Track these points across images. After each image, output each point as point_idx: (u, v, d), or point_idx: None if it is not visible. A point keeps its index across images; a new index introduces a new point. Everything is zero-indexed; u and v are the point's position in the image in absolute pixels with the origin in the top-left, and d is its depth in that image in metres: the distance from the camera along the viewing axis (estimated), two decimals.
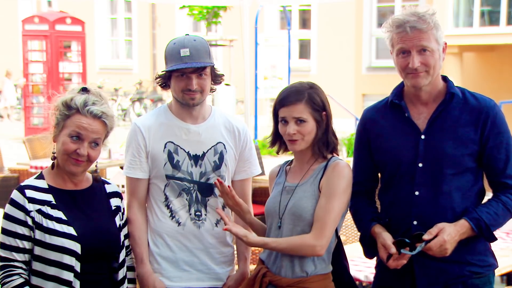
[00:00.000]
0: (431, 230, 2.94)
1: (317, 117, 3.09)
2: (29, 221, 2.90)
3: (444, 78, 3.12)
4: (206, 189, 3.36)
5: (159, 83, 3.38)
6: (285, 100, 3.10)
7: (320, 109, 3.10)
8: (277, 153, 3.24)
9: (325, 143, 3.12)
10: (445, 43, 3.05)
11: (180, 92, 3.28)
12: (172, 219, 3.35)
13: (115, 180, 5.66)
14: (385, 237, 3.03)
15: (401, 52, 3.01)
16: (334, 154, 3.16)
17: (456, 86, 3.11)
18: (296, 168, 3.19)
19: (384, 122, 3.16)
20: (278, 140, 3.20)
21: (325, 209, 3.03)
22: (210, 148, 3.37)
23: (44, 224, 2.90)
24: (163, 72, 3.33)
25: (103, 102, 3.01)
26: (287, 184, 3.16)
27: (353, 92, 19.11)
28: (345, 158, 8.01)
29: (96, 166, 3.10)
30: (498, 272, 3.23)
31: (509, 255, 4.51)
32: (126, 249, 3.20)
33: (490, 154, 3.03)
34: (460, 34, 15.23)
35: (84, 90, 3.02)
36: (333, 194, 3.04)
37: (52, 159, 3.03)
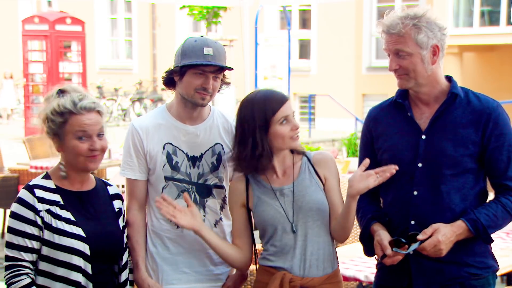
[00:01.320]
0: (426, 230, 2.94)
1: None
2: (39, 221, 2.88)
3: (449, 79, 3.12)
4: (204, 190, 3.35)
5: (164, 79, 3.33)
6: (282, 99, 3.08)
7: None
8: (248, 173, 3.13)
9: None
10: (437, 46, 3.01)
11: (192, 90, 3.23)
12: (170, 221, 3.34)
13: (115, 180, 5.65)
14: (382, 236, 3.03)
15: (387, 54, 3.06)
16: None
17: (460, 87, 3.11)
18: (277, 173, 3.13)
19: (387, 121, 3.16)
20: (268, 155, 3.06)
21: (340, 192, 3.16)
22: (208, 149, 3.35)
23: (54, 225, 2.89)
24: (177, 67, 3.23)
25: (86, 94, 3.00)
26: (277, 188, 3.10)
27: (353, 92, 19.12)
28: (345, 158, 8.02)
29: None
30: (498, 272, 3.22)
31: (509, 255, 4.50)
32: (128, 251, 3.20)
33: (492, 155, 3.02)
34: (460, 34, 15.24)
35: (61, 91, 2.99)
36: (338, 177, 3.20)
37: (62, 170, 2.99)
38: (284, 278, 3.05)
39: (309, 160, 3.17)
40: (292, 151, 3.16)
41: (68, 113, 2.92)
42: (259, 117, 3.05)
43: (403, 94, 3.15)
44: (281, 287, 3.05)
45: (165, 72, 3.33)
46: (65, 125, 2.93)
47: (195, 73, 3.21)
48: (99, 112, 2.98)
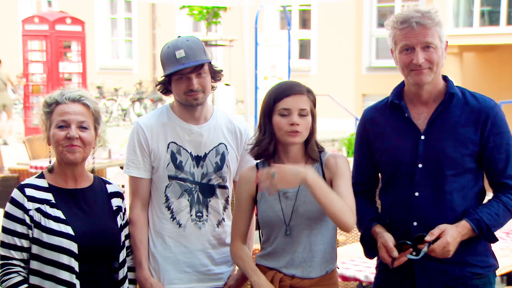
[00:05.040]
0: (433, 231, 2.93)
1: (314, 113, 3.09)
2: (27, 220, 2.91)
3: (445, 78, 3.12)
4: (207, 190, 3.36)
5: (160, 90, 3.37)
6: (289, 90, 3.05)
7: (314, 107, 3.10)
8: (265, 158, 3.12)
9: (315, 144, 3.12)
10: (447, 42, 3.05)
11: (182, 95, 3.26)
12: (173, 220, 3.34)
13: (115, 180, 5.64)
14: (387, 238, 3.02)
15: (404, 49, 3.01)
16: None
17: (456, 86, 3.11)
18: None
19: (384, 122, 3.15)
20: (268, 140, 3.07)
21: (348, 190, 3.02)
22: (212, 149, 3.36)
23: (43, 223, 2.91)
24: (162, 78, 3.32)
25: (80, 89, 3.05)
26: (282, 189, 3.07)
27: (353, 92, 19.10)
28: None
29: (93, 158, 3.12)
30: (498, 272, 3.22)
31: (509, 255, 4.50)
32: (126, 250, 3.20)
33: (490, 154, 3.02)
34: (460, 34, 15.23)
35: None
36: (348, 176, 3.06)
37: (49, 163, 3.05)
38: (274, 277, 3.08)
39: (321, 163, 3.12)
40: (313, 155, 3.10)
41: (55, 103, 3.00)
42: (267, 102, 3.08)
43: (398, 94, 3.14)
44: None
45: (156, 85, 3.38)
46: (51, 116, 3.00)
47: (177, 79, 3.25)
48: (85, 105, 3.01)
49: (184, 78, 3.24)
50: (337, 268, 3.21)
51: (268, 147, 3.10)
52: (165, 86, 3.33)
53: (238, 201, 3.23)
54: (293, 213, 3.06)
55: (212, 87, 3.36)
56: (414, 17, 2.96)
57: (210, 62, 3.30)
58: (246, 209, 3.19)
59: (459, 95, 3.06)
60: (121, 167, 8.23)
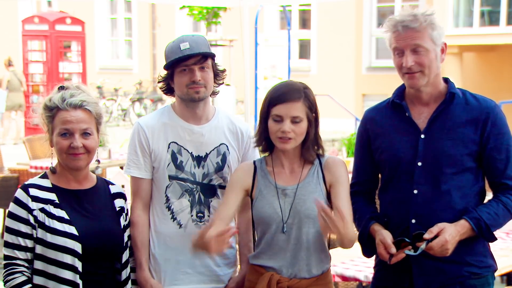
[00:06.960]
0: (432, 229, 2.93)
1: (310, 117, 3.08)
2: (32, 220, 2.90)
3: (446, 80, 3.13)
4: (209, 191, 3.35)
5: (162, 88, 3.36)
6: (283, 97, 3.04)
7: (313, 110, 3.10)
8: (264, 152, 3.18)
9: (314, 145, 3.12)
10: (445, 44, 3.05)
11: (184, 88, 3.26)
12: (173, 221, 3.34)
13: (115, 180, 5.64)
14: (385, 235, 3.02)
15: (396, 52, 3.02)
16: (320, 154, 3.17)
17: (457, 88, 3.12)
18: (285, 169, 3.13)
19: (384, 121, 3.16)
20: (264, 140, 3.14)
21: (348, 200, 3.09)
22: (213, 150, 3.36)
23: (47, 223, 2.91)
24: (166, 73, 3.31)
25: (81, 92, 3.01)
26: (281, 186, 3.09)
27: (353, 92, 19.11)
28: (345, 158, 8.02)
29: (97, 161, 3.11)
30: (498, 272, 3.23)
31: (509, 255, 4.50)
32: (129, 250, 3.20)
33: (490, 155, 3.03)
34: (460, 34, 15.24)
35: (61, 88, 3.02)
36: (347, 184, 3.12)
37: (51, 164, 3.04)
38: (272, 279, 3.06)
39: (320, 164, 3.14)
40: (311, 156, 3.12)
41: (56, 108, 2.96)
42: (264, 105, 3.11)
43: (400, 94, 3.15)
44: (269, 287, 3.06)
45: (159, 82, 3.37)
46: (52, 121, 2.97)
47: (180, 71, 3.25)
48: (87, 110, 2.98)
49: (187, 70, 3.23)
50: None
51: (263, 145, 3.16)
52: (167, 83, 3.33)
53: (227, 189, 3.18)
54: (291, 210, 3.06)
55: (214, 93, 3.36)
56: (403, 21, 2.97)
57: (214, 59, 3.30)
58: (234, 194, 3.13)
59: (460, 96, 3.07)
60: (121, 167, 8.23)
